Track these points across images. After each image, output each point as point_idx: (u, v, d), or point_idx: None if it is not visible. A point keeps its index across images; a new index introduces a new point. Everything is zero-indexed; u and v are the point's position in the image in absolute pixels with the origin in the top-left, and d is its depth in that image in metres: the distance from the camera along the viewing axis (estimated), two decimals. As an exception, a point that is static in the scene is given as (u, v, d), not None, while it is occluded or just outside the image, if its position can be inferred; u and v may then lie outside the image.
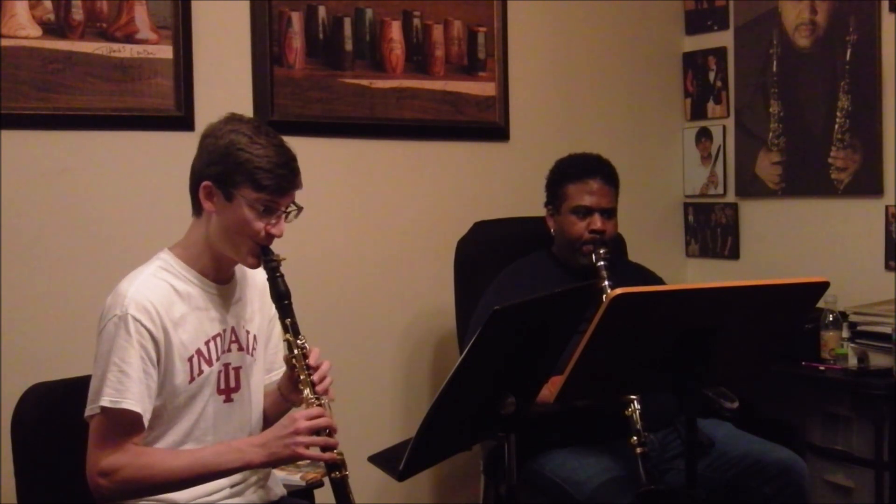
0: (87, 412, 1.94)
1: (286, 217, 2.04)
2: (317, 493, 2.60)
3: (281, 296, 2.04)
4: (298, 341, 2.04)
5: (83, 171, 2.76)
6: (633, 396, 2.42)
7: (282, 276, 2.03)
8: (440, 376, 3.15)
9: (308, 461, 2.65)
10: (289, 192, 2.02)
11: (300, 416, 1.96)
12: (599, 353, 1.92)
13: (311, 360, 2.04)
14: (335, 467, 1.98)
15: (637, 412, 2.41)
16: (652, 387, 2.24)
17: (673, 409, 2.49)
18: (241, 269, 2.15)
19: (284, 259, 2.04)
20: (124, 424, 1.92)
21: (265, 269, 2.04)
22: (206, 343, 2.04)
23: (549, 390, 2.14)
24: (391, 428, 3.26)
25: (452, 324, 3.07)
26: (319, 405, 2.00)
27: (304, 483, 2.57)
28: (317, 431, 1.95)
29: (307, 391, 2.02)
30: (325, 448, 1.96)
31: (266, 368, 2.23)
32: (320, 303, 3.09)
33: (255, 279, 2.18)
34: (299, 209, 2.06)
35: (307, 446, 1.94)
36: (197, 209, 2.05)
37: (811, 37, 3.52)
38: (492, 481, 2.78)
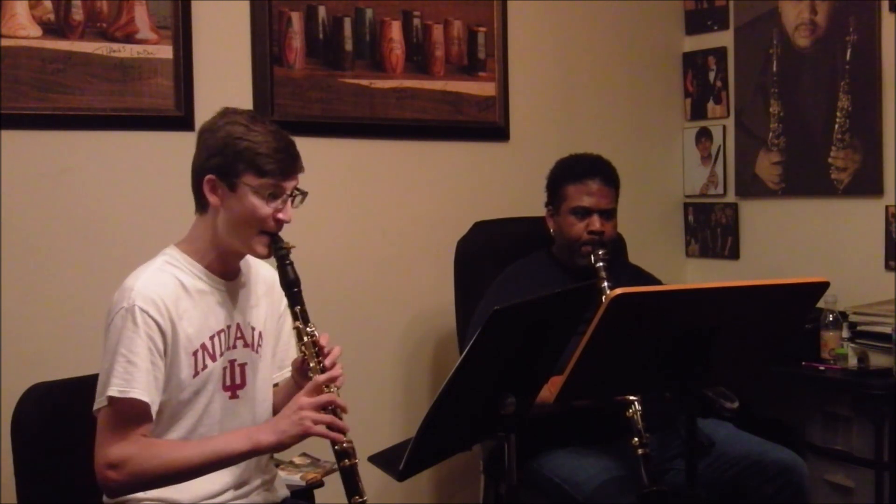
0: (96, 405, 1.93)
1: (292, 202, 2.04)
2: (317, 492, 2.60)
3: (290, 283, 2.03)
4: (308, 329, 2.03)
5: (83, 171, 2.76)
6: (633, 397, 2.42)
7: (291, 263, 2.03)
8: (440, 376, 3.15)
9: (309, 461, 2.67)
10: (292, 175, 2.02)
11: (302, 393, 1.96)
12: (599, 354, 1.92)
13: (323, 342, 2.03)
14: (345, 455, 1.96)
15: (638, 413, 2.41)
16: (652, 387, 2.25)
17: (673, 409, 2.49)
18: (247, 266, 2.15)
19: (294, 247, 2.03)
20: (132, 414, 1.91)
21: (275, 256, 2.03)
22: (211, 338, 2.04)
23: (549, 390, 2.13)
24: (391, 428, 3.26)
25: (452, 324, 3.07)
26: (328, 391, 1.98)
27: (304, 483, 2.57)
28: (323, 409, 1.93)
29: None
30: (332, 427, 1.94)
31: (277, 365, 2.22)
32: (320, 303, 3.04)
33: (262, 275, 2.17)
34: (304, 194, 2.05)
35: (315, 422, 1.92)
36: (201, 205, 2.04)
37: (811, 37, 3.52)
38: (492, 481, 2.76)
